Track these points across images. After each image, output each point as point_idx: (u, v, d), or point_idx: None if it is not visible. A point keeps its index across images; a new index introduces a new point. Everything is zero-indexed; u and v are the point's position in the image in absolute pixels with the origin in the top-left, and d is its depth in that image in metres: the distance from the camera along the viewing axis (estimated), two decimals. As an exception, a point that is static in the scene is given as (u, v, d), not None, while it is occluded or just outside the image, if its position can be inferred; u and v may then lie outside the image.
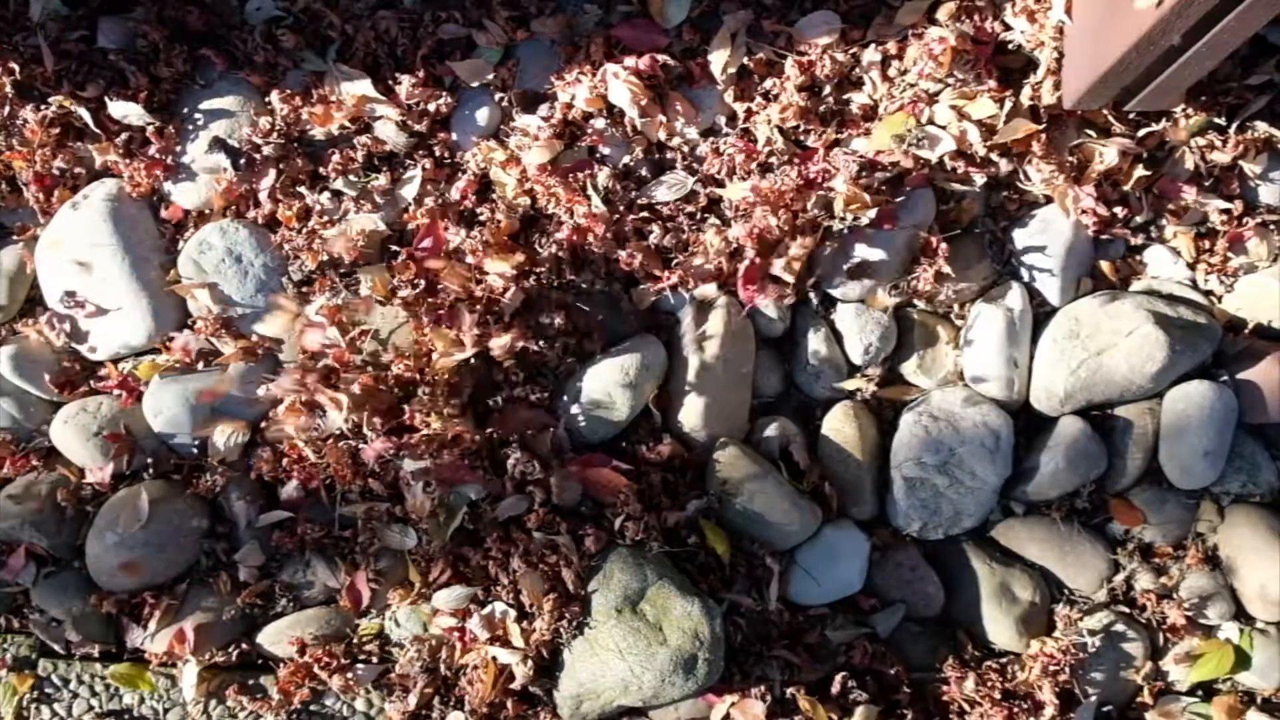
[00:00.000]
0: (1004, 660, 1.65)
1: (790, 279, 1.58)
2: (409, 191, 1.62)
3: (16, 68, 1.64)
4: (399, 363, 1.56)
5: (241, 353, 1.63)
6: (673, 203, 1.62)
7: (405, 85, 1.61)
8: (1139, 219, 1.60)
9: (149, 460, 1.66)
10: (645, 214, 1.62)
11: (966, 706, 1.60)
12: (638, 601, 1.50)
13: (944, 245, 1.54)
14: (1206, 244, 1.61)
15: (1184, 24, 1.21)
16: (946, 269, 1.55)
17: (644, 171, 1.64)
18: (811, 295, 1.62)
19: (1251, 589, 1.62)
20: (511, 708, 1.55)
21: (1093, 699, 1.63)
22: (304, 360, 1.59)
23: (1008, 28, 1.51)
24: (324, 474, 1.58)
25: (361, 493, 1.60)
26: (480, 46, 1.65)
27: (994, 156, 1.55)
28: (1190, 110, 1.53)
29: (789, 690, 1.55)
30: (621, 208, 1.62)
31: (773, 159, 1.58)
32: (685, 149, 1.64)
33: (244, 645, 1.67)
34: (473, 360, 1.57)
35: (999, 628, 1.65)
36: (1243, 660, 1.64)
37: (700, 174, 1.61)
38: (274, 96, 1.64)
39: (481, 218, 1.62)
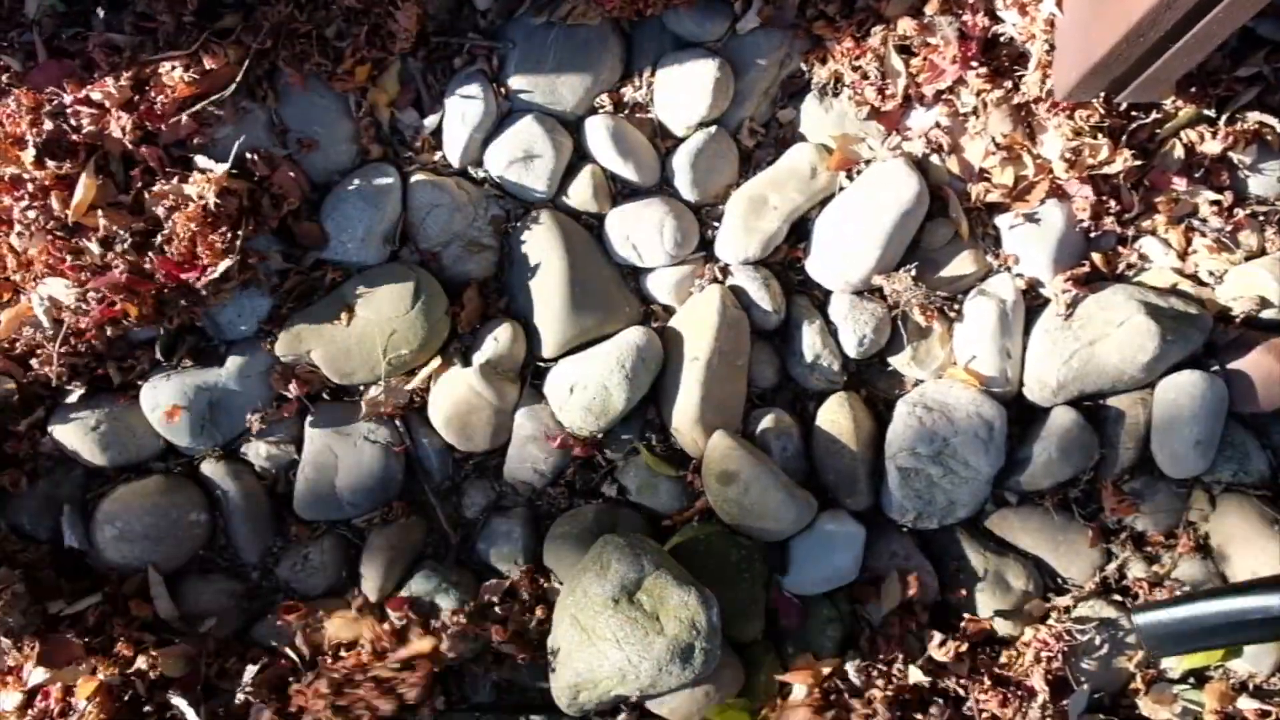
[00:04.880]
0: (998, 648, 1.67)
1: None
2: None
3: (11, 63, 1.64)
4: None
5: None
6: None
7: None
8: (1130, 211, 1.61)
9: (148, 455, 1.66)
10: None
11: (960, 693, 1.62)
12: (634, 591, 1.51)
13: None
14: (1197, 234, 1.62)
15: (1172, 16, 1.21)
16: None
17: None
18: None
19: (1242, 576, 1.63)
20: None
21: (1085, 686, 1.64)
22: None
23: (999, 20, 1.52)
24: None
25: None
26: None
27: (988, 161, 1.56)
28: (1180, 102, 1.54)
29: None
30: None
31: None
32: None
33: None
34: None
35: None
36: (1234, 647, 1.65)
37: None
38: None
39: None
